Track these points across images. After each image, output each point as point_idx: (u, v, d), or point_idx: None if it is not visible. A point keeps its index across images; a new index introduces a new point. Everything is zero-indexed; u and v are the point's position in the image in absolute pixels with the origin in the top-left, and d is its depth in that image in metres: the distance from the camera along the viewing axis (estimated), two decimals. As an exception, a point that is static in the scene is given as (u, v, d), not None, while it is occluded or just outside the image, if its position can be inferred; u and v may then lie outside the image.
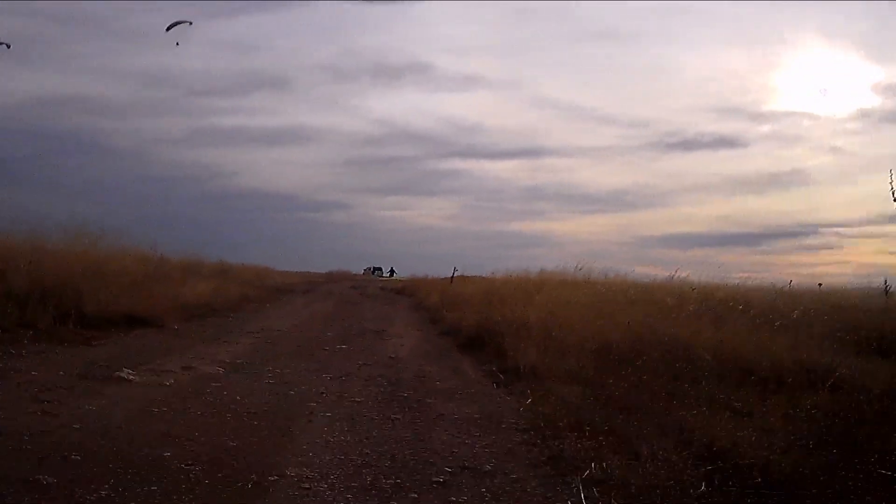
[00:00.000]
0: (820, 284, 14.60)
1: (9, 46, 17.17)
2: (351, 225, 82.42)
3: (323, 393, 7.41)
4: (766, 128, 77.12)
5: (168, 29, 17.07)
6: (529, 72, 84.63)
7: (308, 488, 4.39)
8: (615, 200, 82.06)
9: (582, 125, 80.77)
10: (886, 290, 11.38)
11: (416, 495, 4.38)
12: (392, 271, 69.25)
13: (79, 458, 4.59)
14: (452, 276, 27.87)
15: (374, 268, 70.94)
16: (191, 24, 17.35)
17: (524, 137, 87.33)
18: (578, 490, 4.39)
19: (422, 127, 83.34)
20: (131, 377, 7.39)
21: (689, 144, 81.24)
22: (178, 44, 17.79)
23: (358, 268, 68.91)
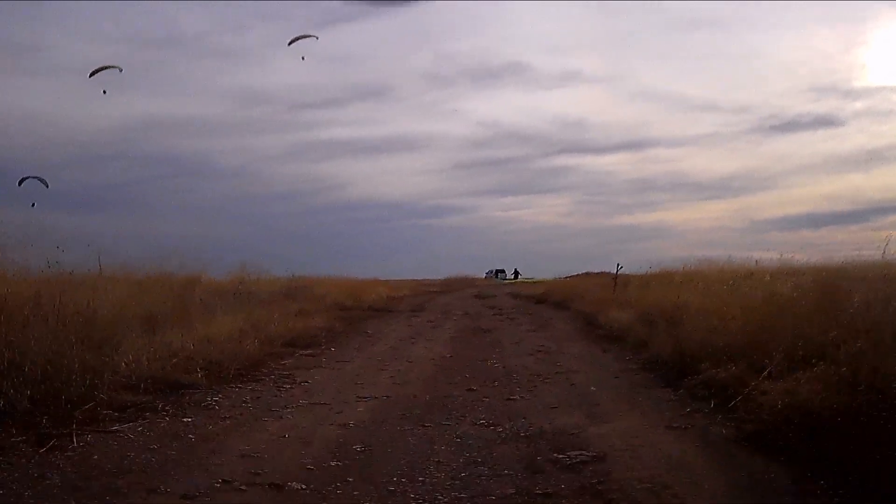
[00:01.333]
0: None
1: (121, 70, 17.55)
2: (467, 228, 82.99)
3: None
4: (859, 104, 75.80)
5: (290, 43, 17.37)
6: (627, 64, 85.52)
7: None
8: (724, 186, 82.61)
9: (684, 114, 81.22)
10: None
11: None
12: (516, 273, 63.20)
13: None
14: (616, 276, 19.44)
15: (496, 270, 64.09)
16: (317, 38, 17.86)
17: (628, 130, 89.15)
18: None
19: (526, 126, 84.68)
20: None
21: (790, 126, 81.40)
22: (303, 58, 18.51)
23: (479, 271, 62.07)
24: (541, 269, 59.12)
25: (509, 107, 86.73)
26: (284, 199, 75.18)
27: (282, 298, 15.76)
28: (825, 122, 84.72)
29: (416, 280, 48.22)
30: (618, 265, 20.37)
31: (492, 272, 63.55)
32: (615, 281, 18.75)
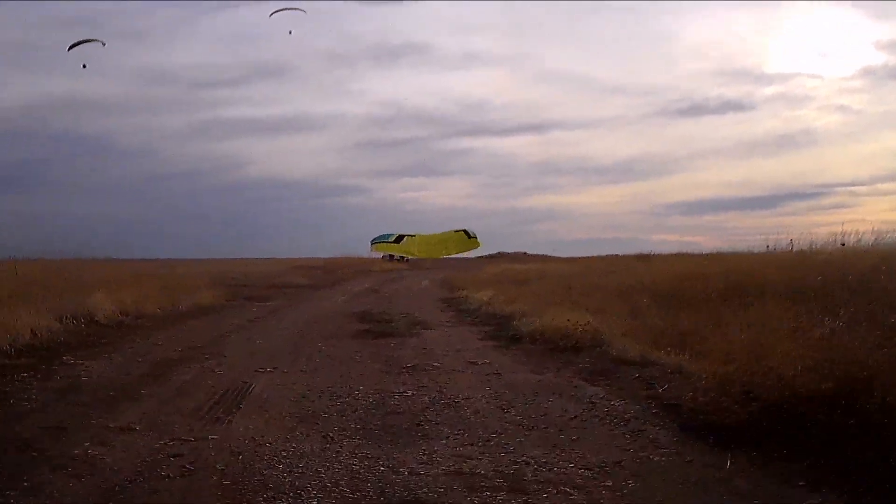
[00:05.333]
0: (843, 244, 12.27)
1: (104, 44, 17.12)
2: (367, 209, 78.36)
3: None
4: (771, 89, 78.42)
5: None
6: (531, 46, 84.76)
7: None
8: (627, 170, 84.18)
9: (589, 96, 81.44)
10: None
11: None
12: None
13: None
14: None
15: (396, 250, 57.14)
16: (304, 12, 16.59)
17: (532, 112, 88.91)
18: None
19: (428, 107, 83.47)
20: None
21: (697, 109, 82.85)
22: (291, 32, 17.72)
23: (377, 253, 55.06)
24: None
25: (411, 87, 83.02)
26: (185, 177, 68.28)
27: None
28: (735, 106, 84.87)
29: (301, 262, 40.85)
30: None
31: (392, 254, 56.87)
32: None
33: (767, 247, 15.24)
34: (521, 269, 31.81)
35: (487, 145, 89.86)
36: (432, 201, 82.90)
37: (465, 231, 56.87)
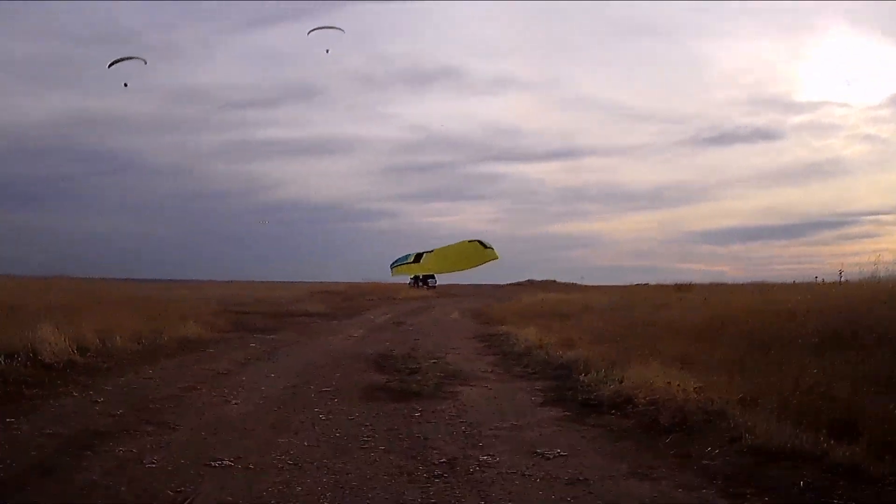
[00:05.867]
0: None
1: (145, 62, 17.05)
2: (393, 232, 77.07)
3: None
4: (799, 118, 77.04)
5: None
6: (561, 70, 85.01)
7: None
8: (655, 197, 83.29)
9: (619, 124, 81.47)
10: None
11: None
12: (431, 276, 53.40)
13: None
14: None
15: (424, 276, 54.45)
16: (343, 31, 15.25)
17: (562, 138, 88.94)
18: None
19: (458, 132, 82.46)
20: None
21: (727, 138, 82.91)
22: (328, 51, 16.98)
23: (403, 277, 52.42)
24: (463, 276, 52.49)
25: (441, 112, 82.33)
26: (214, 198, 67.82)
27: None
28: (764, 134, 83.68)
29: (323, 287, 38.43)
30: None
31: (417, 278, 54.13)
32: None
33: (840, 275, 12.97)
34: (558, 298, 28.99)
35: (516, 171, 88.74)
36: (460, 226, 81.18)
37: (479, 241, 53.89)
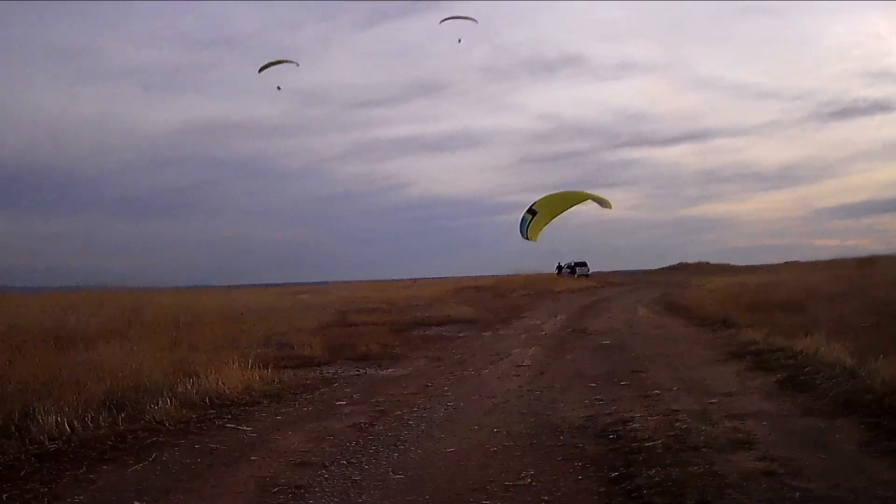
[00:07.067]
0: None
1: (297, 65, 16.57)
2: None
3: None
4: None
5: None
6: (682, 52, 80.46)
7: None
8: (785, 176, 76.98)
9: (743, 102, 74.07)
10: None
11: None
12: (583, 264, 48.80)
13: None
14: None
15: (575, 263, 48.47)
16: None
17: (689, 120, 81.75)
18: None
19: (586, 119, 76.90)
20: None
21: (847, 112, 74.66)
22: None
23: (549, 267, 46.19)
24: (610, 262, 48.94)
25: (568, 99, 78.30)
26: (346, 199, 67.67)
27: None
28: (882, 106, 76.69)
29: (466, 282, 33.26)
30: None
31: (568, 265, 48.04)
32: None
33: None
34: (741, 281, 23.18)
35: (649, 156, 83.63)
36: (598, 214, 75.41)
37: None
